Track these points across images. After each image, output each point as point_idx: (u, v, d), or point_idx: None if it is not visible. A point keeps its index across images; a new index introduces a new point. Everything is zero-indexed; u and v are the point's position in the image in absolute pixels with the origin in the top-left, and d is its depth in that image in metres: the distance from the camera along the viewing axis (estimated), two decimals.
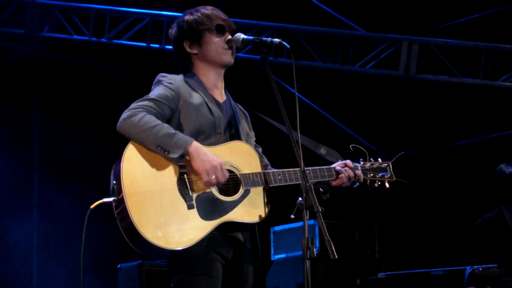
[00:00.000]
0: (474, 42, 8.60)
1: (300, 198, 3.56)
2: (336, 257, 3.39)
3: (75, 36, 9.44)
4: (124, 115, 3.68)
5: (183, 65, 4.00)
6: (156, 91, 3.79)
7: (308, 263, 3.41)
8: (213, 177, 3.63)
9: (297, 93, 3.67)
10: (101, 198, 3.73)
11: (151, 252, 3.63)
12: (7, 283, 9.10)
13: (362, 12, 9.70)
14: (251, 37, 3.91)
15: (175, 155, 3.63)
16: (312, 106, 9.81)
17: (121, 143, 3.72)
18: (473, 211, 6.97)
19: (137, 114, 3.66)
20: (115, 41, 9.39)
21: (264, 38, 3.84)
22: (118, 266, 7.34)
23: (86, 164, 9.57)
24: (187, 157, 3.66)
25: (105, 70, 10.02)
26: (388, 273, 6.36)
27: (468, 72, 8.61)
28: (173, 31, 4.01)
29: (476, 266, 5.75)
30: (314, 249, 3.42)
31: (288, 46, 3.80)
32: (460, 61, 8.67)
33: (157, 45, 9.31)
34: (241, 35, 3.92)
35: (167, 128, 3.66)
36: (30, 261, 9.40)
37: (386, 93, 9.98)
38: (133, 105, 3.73)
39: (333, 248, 3.39)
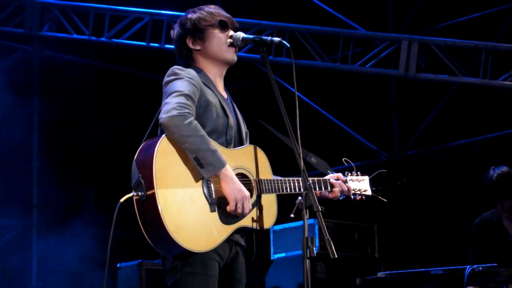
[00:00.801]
0: (474, 42, 8.59)
1: (299, 197, 3.56)
2: (336, 256, 3.39)
3: (75, 35, 9.43)
4: (174, 112, 3.54)
5: (185, 63, 3.93)
6: (185, 86, 3.68)
7: (308, 262, 3.41)
8: (240, 208, 3.62)
9: (297, 92, 3.66)
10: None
11: (169, 250, 3.60)
12: (7, 283, 9.09)
13: (362, 11, 9.69)
14: (251, 36, 3.88)
15: (206, 174, 3.58)
16: (312, 105, 9.81)
17: (120, 141, 3.69)
18: (472, 210, 6.97)
19: (188, 116, 3.55)
20: (114, 40, 9.37)
21: (264, 37, 3.81)
22: (118, 265, 7.33)
23: (86, 162, 9.57)
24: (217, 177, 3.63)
25: (105, 69, 10.01)
26: (388, 272, 6.35)
27: (468, 71, 8.60)
28: (175, 30, 3.96)
29: (476, 265, 5.74)
30: (314, 248, 3.42)
31: (288, 45, 3.78)
32: (460, 60, 8.65)
33: (156, 44, 9.29)
34: (241, 34, 3.88)
35: (209, 142, 3.59)
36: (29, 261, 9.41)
37: (385, 92, 9.98)
38: (176, 101, 3.59)
39: (333, 247, 3.39)
